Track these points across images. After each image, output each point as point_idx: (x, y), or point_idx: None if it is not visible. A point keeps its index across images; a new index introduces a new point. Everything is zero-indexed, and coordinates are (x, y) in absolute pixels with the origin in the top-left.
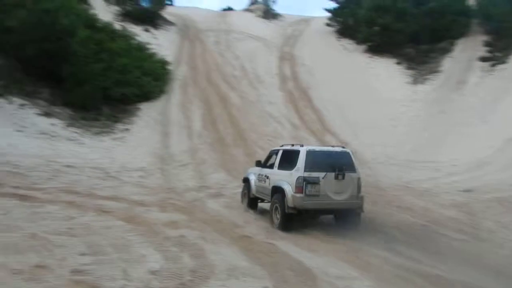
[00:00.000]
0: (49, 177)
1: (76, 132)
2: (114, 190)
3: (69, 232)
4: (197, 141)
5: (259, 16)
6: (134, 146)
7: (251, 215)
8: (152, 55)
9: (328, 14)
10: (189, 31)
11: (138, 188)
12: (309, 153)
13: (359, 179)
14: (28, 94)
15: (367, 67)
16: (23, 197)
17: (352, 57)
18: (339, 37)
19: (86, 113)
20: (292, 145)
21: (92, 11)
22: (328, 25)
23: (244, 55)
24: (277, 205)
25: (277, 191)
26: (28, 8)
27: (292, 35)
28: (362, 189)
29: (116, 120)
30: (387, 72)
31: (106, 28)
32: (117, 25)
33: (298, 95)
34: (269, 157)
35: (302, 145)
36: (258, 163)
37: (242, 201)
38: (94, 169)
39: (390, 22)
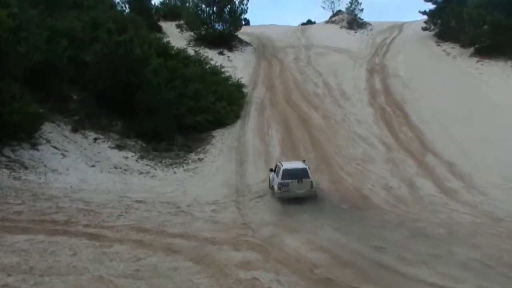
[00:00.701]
0: (119, 214)
1: (148, 165)
2: (184, 226)
3: (135, 275)
4: None
5: (343, 27)
6: (208, 176)
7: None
8: (227, 79)
9: (424, 17)
10: (265, 50)
11: (210, 224)
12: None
13: (311, 181)
14: (102, 128)
15: (476, 73)
16: (92, 236)
17: (456, 63)
18: (438, 42)
19: (159, 143)
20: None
21: (165, 39)
22: (424, 29)
23: (327, 70)
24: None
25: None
26: (102, 41)
27: (382, 44)
28: None
29: (190, 149)
30: (500, 77)
31: (179, 55)
32: (191, 50)
33: (392, 111)
34: (275, 167)
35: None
36: (271, 170)
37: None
38: (165, 204)
39: (503, 18)
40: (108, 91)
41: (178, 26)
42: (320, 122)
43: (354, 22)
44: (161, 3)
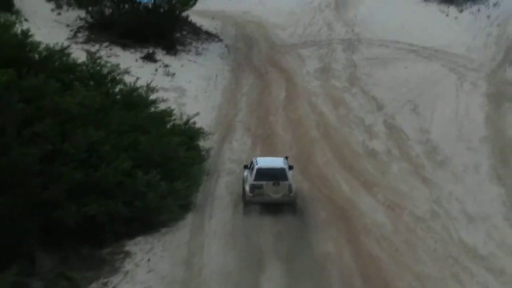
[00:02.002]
0: None
1: None
2: None
3: None
4: None
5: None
6: None
7: None
8: (162, 117)
9: None
10: (252, 51)
11: None
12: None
13: (290, 185)
14: None
15: None
16: None
17: None
18: None
19: None
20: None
21: (20, 26)
22: None
23: (396, 97)
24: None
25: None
26: None
27: None
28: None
29: None
30: None
31: (52, 62)
32: (79, 52)
33: None
34: (251, 163)
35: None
36: (245, 167)
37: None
38: None
39: None
40: None
41: None
42: (379, 223)
43: None
44: None
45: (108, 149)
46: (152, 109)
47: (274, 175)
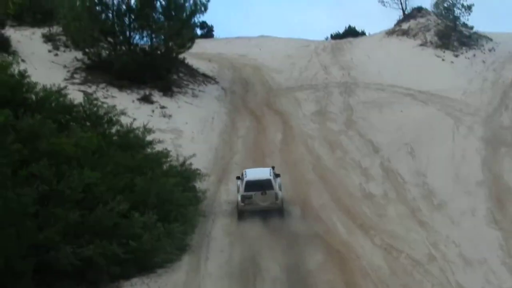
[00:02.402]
0: None
1: None
2: None
3: None
4: None
5: (427, 44)
6: None
7: None
8: (158, 158)
9: None
10: (249, 94)
11: None
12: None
13: (276, 193)
14: None
15: None
16: None
17: None
18: None
19: None
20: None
21: (16, 67)
22: None
23: (393, 141)
24: None
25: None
26: None
27: None
28: None
29: None
30: None
31: (48, 103)
32: (76, 93)
33: None
34: (242, 175)
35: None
36: (238, 178)
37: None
38: None
39: None
40: None
41: (48, 38)
42: (377, 266)
43: (452, 36)
44: None
45: (104, 190)
46: (149, 150)
47: (261, 186)
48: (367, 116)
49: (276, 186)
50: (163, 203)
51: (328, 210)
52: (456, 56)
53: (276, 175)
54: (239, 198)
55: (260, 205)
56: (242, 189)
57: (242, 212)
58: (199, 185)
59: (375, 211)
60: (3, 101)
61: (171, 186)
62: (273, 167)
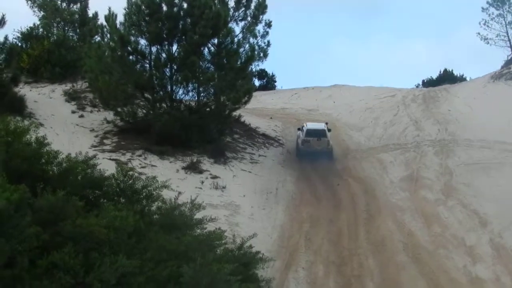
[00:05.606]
0: None
1: None
2: None
3: None
4: None
5: None
6: None
7: None
8: (210, 240)
9: None
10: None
11: None
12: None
13: (328, 140)
14: None
15: None
16: None
17: None
18: None
19: None
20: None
21: (34, 132)
22: None
23: (506, 211)
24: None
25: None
26: None
27: None
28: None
29: None
30: None
31: (73, 175)
32: (107, 162)
33: None
34: (302, 126)
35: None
36: (299, 129)
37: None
38: None
39: None
40: None
41: (71, 96)
42: None
43: None
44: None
45: (143, 282)
46: (198, 231)
47: (318, 134)
48: (471, 182)
49: (328, 135)
50: None
51: None
52: None
53: (328, 130)
54: (300, 142)
55: (316, 148)
56: (303, 135)
57: (301, 152)
58: (261, 272)
59: None
60: (18, 174)
61: (227, 275)
62: (326, 123)
